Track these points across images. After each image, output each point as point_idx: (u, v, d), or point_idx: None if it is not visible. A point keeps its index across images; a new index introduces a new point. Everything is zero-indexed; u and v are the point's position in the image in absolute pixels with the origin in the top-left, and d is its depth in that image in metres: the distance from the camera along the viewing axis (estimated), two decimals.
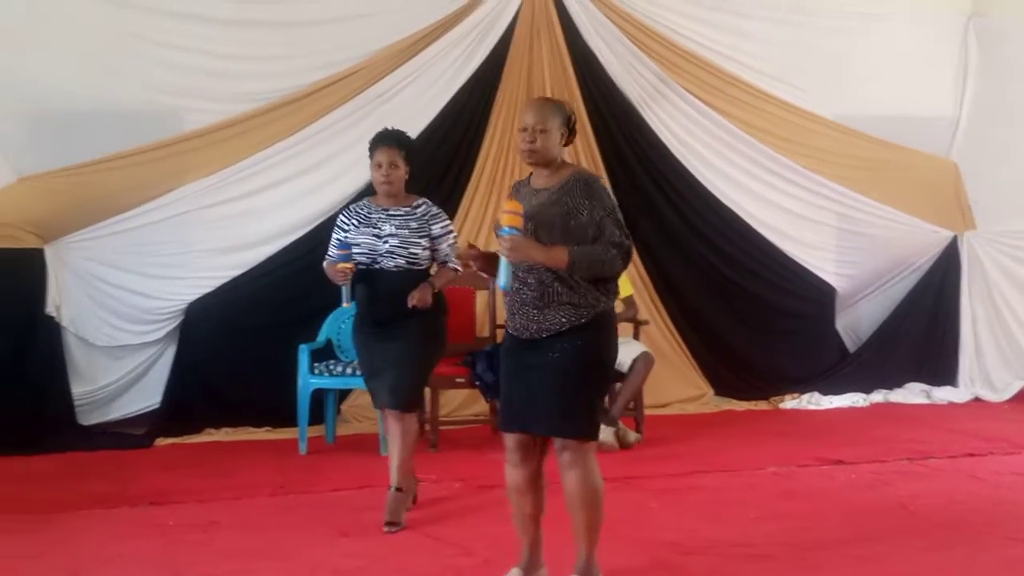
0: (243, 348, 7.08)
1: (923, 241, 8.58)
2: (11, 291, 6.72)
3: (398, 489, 4.85)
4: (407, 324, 4.84)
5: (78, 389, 6.93)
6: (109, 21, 6.82)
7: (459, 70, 7.53)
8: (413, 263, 4.93)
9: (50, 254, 6.83)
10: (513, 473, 3.87)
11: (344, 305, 4.93)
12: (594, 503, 3.79)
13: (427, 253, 4.99)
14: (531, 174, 3.90)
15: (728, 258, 8.25)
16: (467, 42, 7.53)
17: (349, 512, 4.97)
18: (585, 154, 7.86)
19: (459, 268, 4.88)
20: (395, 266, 4.89)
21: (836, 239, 8.47)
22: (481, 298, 7.26)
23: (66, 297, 6.91)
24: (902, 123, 8.31)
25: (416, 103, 7.41)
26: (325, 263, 5.02)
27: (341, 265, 4.84)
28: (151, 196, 6.98)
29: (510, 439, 3.84)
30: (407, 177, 5.02)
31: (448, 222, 5.11)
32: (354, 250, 4.87)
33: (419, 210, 5.00)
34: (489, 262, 3.78)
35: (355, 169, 6.90)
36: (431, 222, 4.99)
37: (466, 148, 7.62)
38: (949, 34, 8.52)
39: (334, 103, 7.24)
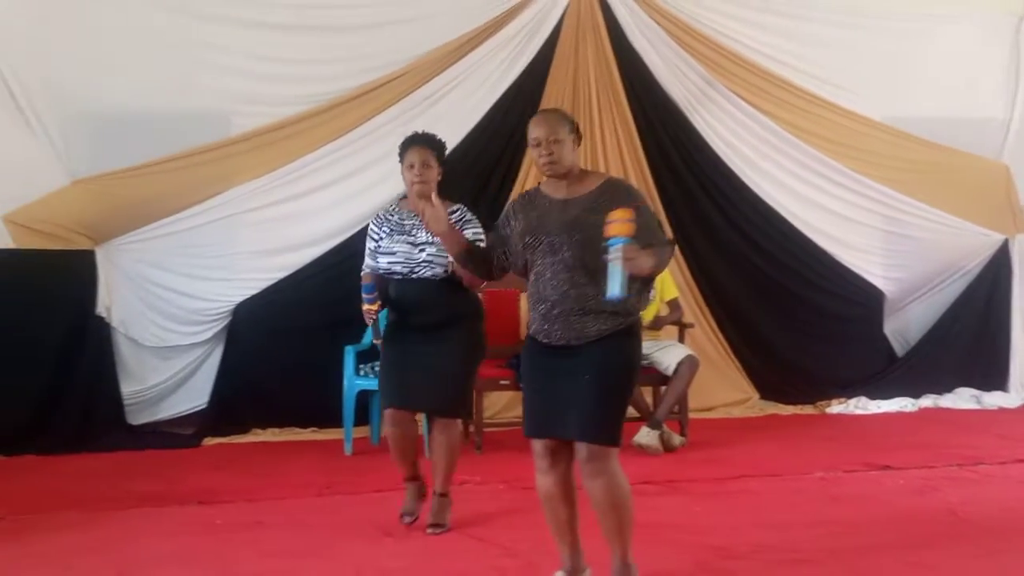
0: (289, 349, 7.13)
1: (973, 244, 8.47)
2: (63, 292, 6.82)
3: (442, 494, 4.84)
4: (448, 331, 4.74)
5: (127, 389, 7.02)
6: (160, 27, 6.92)
7: (505, 72, 7.55)
8: (448, 273, 4.73)
9: (101, 256, 6.93)
10: (544, 480, 3.86)
11: (374, 342, 5.01)
12: (625, 505, 3.78)
13: None
14: (539, 186, 3.93)
15: (774, 261, 8.20)
16: (513, 44, 7.55)
17: (394, 513, 4.98)
18: (630, 157, 7.85)
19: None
20: (433, 275, 4.72)
21: (884, 242, 8.39)
22: (524, 301, 7.24)
23: (116, 298, 7.00)
24: (953, 125, 8.23)
25: (463, 106, 7.45)
26: (364, 272, 4.92)
27: (367, 308, 4.77)
28: (199, 199, 7.06)
29: (539, 445, 3.83)
30: (439, 179, 4.82)
31: (480, 229, 4.82)
32: (389, 260, 4.74)
33: (454, 216, 4.70)
34: (445, 228, 3.89)
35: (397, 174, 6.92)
36: (464, 227, 4.73)
37: (512, 151, 7.63)
38: (1001, 35, 8.44)
39: (381, 106, 7.28)
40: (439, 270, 4.71)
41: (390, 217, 4.87)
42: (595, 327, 3.71)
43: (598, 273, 3.56)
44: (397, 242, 4.76)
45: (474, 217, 4.89)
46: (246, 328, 7.17)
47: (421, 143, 4.81)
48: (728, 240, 8.11)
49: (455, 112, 7.39)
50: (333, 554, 4.46)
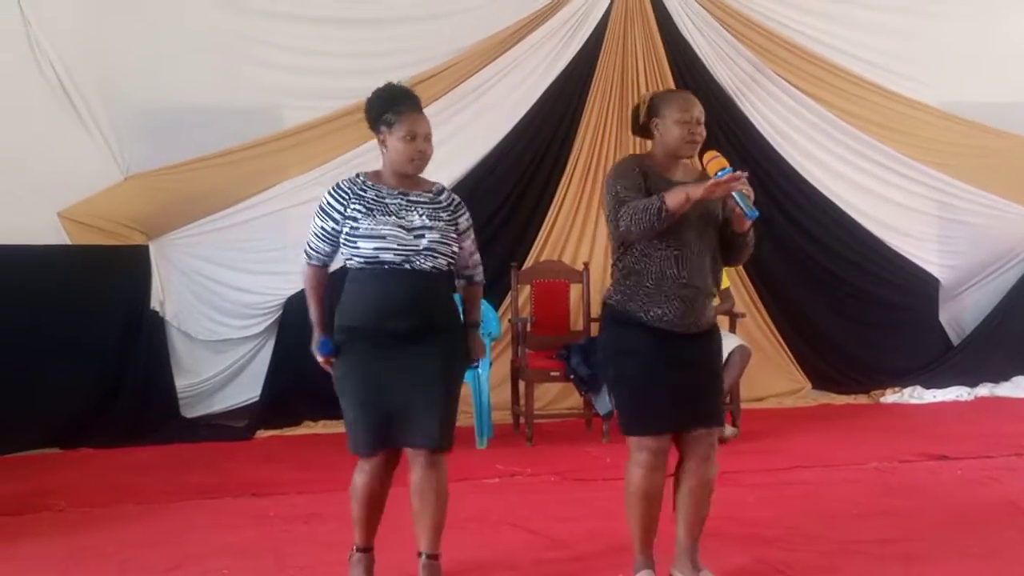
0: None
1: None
2: (118, 287, 6.92)
3: (433, 556, 3.73)
4: (434, 341, 3.66)
5: (181, 382, 7.10)
6: (211, 23, 7.01)
7: (553, 63, 7.56)
8: (451, 265, 3.79)
9: (154, 250, 7.01)
10: (653, 478, 3.65)
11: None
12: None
13: None
14: (647, 165, 3.68)
15: (826, 248, 8.12)
16: (561, 34, 7.55)
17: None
18: None
19: (482, 281, 4.02)
20: (433, 267, 3.67)
21: (939, 229, 8.28)
22: (575, 291, 7.24)
23: (169, 292, 7.08)
24: (1010, 109, 8.10)
25: (511, 97, 7.47)
26: (306, 274, 3.87)
27: (324, 360, 3.81)
28: (251, 193, 7.13)
29: (655, 442, 3.63)
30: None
31: (469, 215, 3.90)
32: (376, 245, 3.61)
33: (442, 197, 3.82)
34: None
35: (451, 164, 6.93)
36: (457, 213, 3.81)
37: (560, 141, 7.64)
38: None
39: (429, 98, 7.27)
40: (442, 261, 3.70)
41: (362, 192, 3.74)
42: (712, 312, 3.75)
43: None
44: (384, 223, 3.64)
45: (461, 200, 3.91)
46: (297, 321, 7.12)
47: (419, 107, 3.78)
48: (779, 228, 8.03)
49: (504, 102, 7.41)
50: (388, 546, 4.44)
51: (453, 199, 3.85)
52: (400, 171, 3.75)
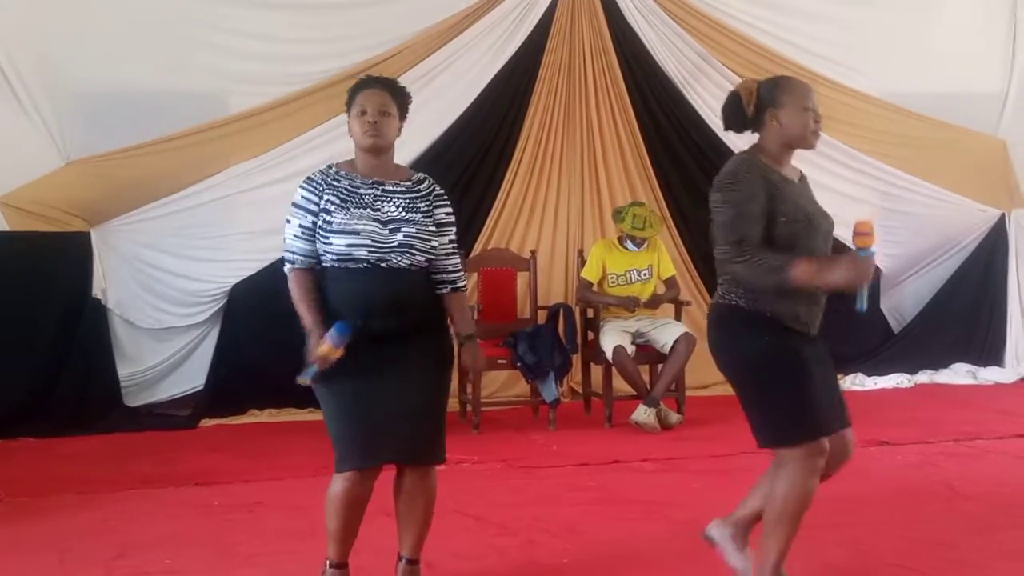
0: (286, 329, 6.97)
1: (970, 220, 8.48)
2: (58, 275, 6.82)
3: (413, 561, 3.66)
4: (423, 341, 3.49)
5: (124, 371, 7.01)
6: (157, 5, 6.91)
7: (501, 50, 7.56)
8: (429, 261, 3.53)
9: (96, 237, 6.91)
10: (817, 481, 3.43)
11: (309, 383, 3.41)
12: None
13: None
14: (758, 161, 3.43)
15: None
16: (509, 21, 7.55)
17: (391, 491, 4.98)
18: (626, 133, 7.87)
19: (466, 286, 3.73)
20: (411, 264, 3.44)
21: (880, 218, 8.34)
22: (522, 279, 7.25)
23: (112, 280, 6.98)
24: (950, 100, 8.23)
25: (458, 84, 7.46)
26: (293, 281, 3.55)
27: (326, 349, 3.28)
28: (195, 179, 7.06)
29: (825, 443, 3.38)
30: (398, 135, 3.62)
31: (452, 210, 3.64)
32: (349, 242, 3.38)
33: (423, 186, 3.58)
34: None
35: (398, 151, 6.84)
36: (436, 204, 3.57)
37: (507, 129, 7.66)
38: (998, 9, 8.41)
39: None
40: (420, 258, 3.46)
41: (335, 183, 3.50)
42: None
43: None
44: (357, 217, 3.41)
45: (443, 191, 3.66)
46: (242, 309, 7.16)
47: (377, 85, 3.58)
48: None
49: (452, 89, 7.40)
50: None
51: (433, 189, 3.60)
52: (361, 148, 3.54)
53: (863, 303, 3.27)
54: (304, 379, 3.34)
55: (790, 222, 3.37)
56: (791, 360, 3.39)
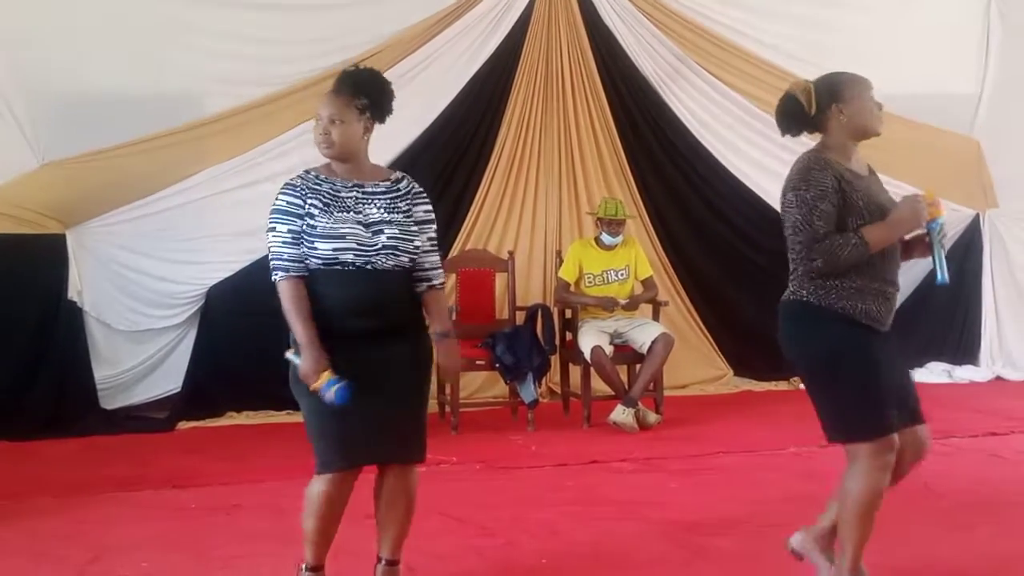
0: (263, 332, 7.00)
1: (944, 220, 8.50)
2: (33, 277, 6.77)
3: (393, 562, 3.67)
4: (400, 345, 3.46)
5: (100, 373, 6.96)
6: (133, 5, 6.85)
7: (478, 51, 7.55)
8: (413, 261, 3.50)
9: (72, 239, 6.86)
10: (887, 478, 3.42)
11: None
12: None
13: None
14: (825, 158, 3.48)
15: (746, 237, 8.22)
16: (486, 22, 7.54)
17: (371, 494, 4.98)
18: (603, 133, 7.89)
19: (443, 284, 3.69)
20: (395, 266, 3.43)
21: None
22: (500, 280, 7.25)
23: (88, 282, 6.94)
24: (924, 101, 8.22)
25: (435, 85, 7.44)
26: (284, 291, 3.38)
27: (319, 388, 3.32)
28: (171, 181, 7.01)
29: (894, 439, 3.40)
30: (367, 134, 3.55)
31: (431, 207, 3.62)
32: (335, 246, 3.35)
33: (402, 185, 3.56)
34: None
35: (375, 153, 6.85)
36: (416, 202, 3.55)
37: (484, 130, 7.65)
38: (972, 9, 8.45)
39: None
40: (404, 259, 3.45)
41: (317, 186, 3.45)
42: None
43: None
44: (342, 221, 3.38)
45: (423, 190, 3.64)
46: (219, 311, 7.13)
47: (342, 86, 3.51)
48: (701, 217, 8.14)
49: (431, 89, 7.39)
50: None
51: (412, 187, 3.57)
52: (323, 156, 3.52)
53: (944, 274, 3.37)
54: (329, 394, 3.30)
55: (867, 215, 3.40)
56: (860, 355, 3.40)
